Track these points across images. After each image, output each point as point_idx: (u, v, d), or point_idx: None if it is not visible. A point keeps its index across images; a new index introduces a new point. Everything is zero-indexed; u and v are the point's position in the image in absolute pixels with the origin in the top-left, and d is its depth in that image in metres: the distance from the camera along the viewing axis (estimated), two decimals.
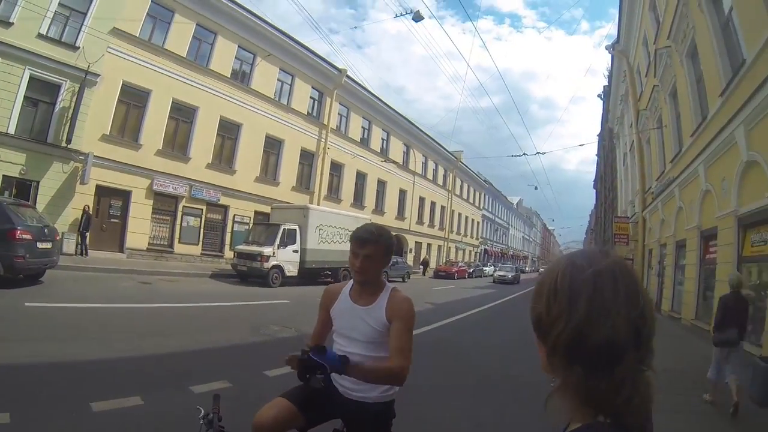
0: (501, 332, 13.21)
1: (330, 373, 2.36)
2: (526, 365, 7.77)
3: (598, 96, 40.69)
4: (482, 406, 6.25)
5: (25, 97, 16.98)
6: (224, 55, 24.04)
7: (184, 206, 22.77)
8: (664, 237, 18.47)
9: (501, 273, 44.59)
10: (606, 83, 36.24)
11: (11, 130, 16.55)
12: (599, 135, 47.01)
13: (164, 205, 22.07)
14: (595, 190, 59.16)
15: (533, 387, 6.62)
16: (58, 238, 13.02)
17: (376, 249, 2.63)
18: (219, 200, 24.17)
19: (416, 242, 45.72)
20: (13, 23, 16.35)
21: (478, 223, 65.76)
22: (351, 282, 2.84)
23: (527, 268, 70.58)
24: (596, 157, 54.02)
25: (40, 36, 17.04)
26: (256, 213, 26.06)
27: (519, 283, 42.10)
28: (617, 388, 0.90)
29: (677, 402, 6.51)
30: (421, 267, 41.97)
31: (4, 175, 16.52)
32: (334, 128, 32.14)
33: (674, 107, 16.70)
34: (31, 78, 16.98)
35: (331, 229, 22.10)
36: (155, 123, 21.17)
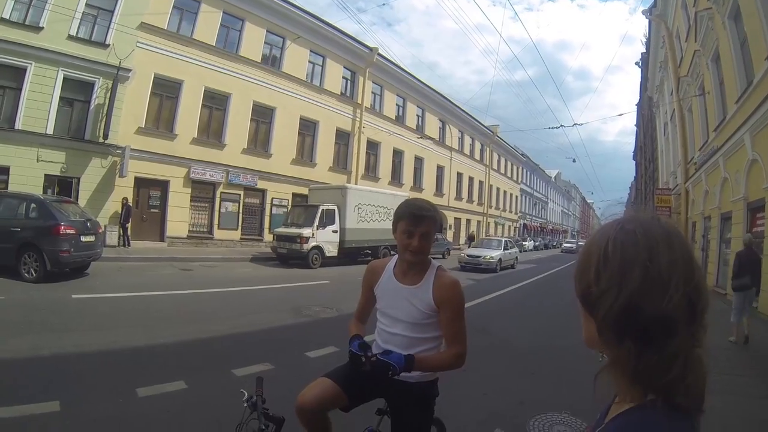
0: (544, 307, 13.05)
1: (400, 372, 2.37)
2: (570, 340, 7.74)
3: (636, 64, 39.47)
4: (523, 382, 6.19)
5: (61, 98, 17.50)
6: (253, 40, 24.08)
7: (221, 192, 23.06)
8: (708, 209, 17.86)
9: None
10: (644, 50, 35.18)
11: (50, 131, 17.13)
12: (638, 104, 45.82)
13: (202, 192, 22.40)
14: (634, 162, 57.83)
15: (578, 363, 6.61)
16: (100, 230, 13.32)
17: (432, 225, 2.53)
18: (256, 184, 24.39)
19: (455, 218, 45.47)
20: (43, 27, 16.83)
21: (516, 197, 64.91)
22: (395, 258, 2.73)
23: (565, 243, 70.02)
24: (635, 128, 52.82)
25: (70, 37, 17.49)
26: (294, 195, 26.23)
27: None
28: (669, 364, 0.86)
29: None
30: (468, 241, 41.74)
31: (45, 174, 17.09)
32: (369, 107, 32.01)
33: (717, 73, 16.00)
34: (65, 78, 17.48)
35: (369, 207, 22.09)
36: (189, 112, 21.44)
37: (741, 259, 8.74)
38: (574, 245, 52.73)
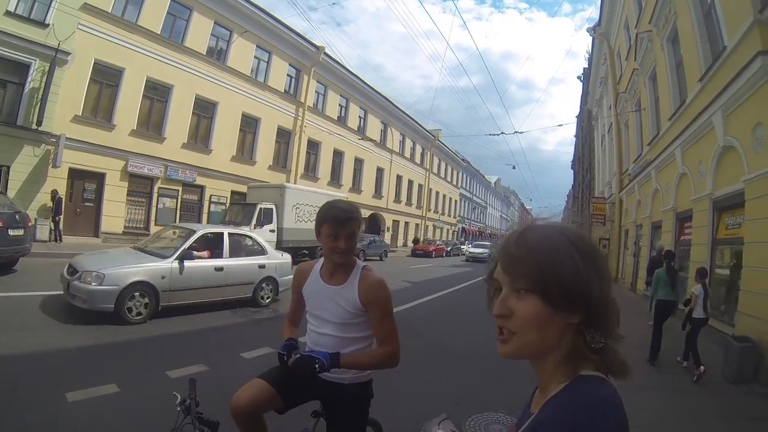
0: (476, 311, 13.22)
1: (327, 369, 2.41)
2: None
3: (578, 78, 40.85)
4: (459, 383, 6.35)
5: None
6: (200, 31, 23.48)
7: (159, 187, 22.45)
8: (641, 218, 18.80)
9: (475, 250, 41.55)
10: (586, 65, 36.41)
11: None
12: (578, 116, 47.25)
13: (139, 186, 21.70)
14: (573, 171, 59.38)
15: (508, 364, 6.82)
16: (30, 224, 12.61)
17: (357, 226, 2.58)
18: (195, 180, 23.87)
19: (393, 221, 45.71)
20: None
21: (455, 201, 65.98)
22: (321, 260, 2.76)
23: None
24: (574, 138, 54.37)
25: (8, 13, 16.30)
26: (233, 193, 25.86)
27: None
28: (615, 344, 1.03)
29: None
30: (414, 244, 42.05)
31: None
32: (311, 106, 31.88)
33: (653, 91, 16.92)
34: None
35: (308, 207, 21.98)
36: (129, 102, 20.65)
37: (653, 260, 11.40)
38: (486, 251, 39.95)
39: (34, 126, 17.04)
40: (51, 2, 17.32)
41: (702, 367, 7.14)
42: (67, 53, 17.68)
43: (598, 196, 30.96)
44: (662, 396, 6.42)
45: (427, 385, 6.15)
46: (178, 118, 22.84)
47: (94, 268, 8.08)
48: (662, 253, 10.60)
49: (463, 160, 66.24)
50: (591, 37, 29.15)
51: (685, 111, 12.76)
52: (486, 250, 39.82)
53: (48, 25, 17.20)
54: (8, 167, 16.90)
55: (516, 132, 41.61)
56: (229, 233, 10.43)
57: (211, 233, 10.24)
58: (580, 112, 45.86)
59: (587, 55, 34.97)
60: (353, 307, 2.56)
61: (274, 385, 2.61)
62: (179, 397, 2.34)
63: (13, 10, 16.49)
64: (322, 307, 2.66)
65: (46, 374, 5.28)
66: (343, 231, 2.52)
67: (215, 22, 24.20)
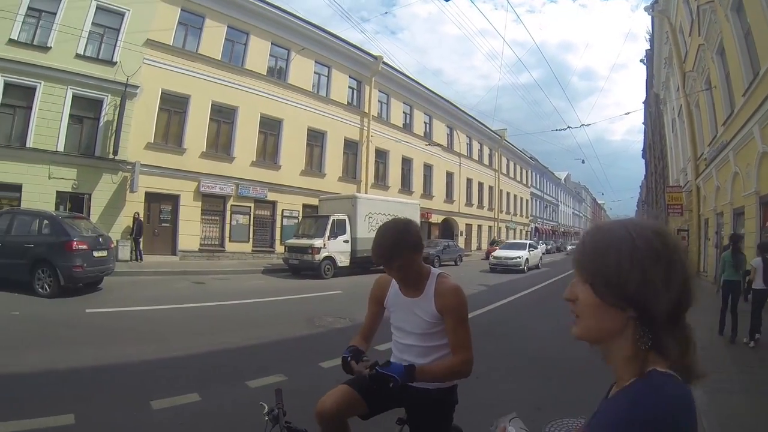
0: (553, 314, 12.87)
1: (401, 384, 2.35)
2: (580, 345, 7.73)
3: (641, 61, 39.29)
4: (539, 388, 6.10)
5: (71, 115, 17.81)
6: (258, 53, 24.24)
7: (232, 205, 23.19)
8: (721, 205, 17.55)
9: (502, 253, 27.79)
10: (648, 47, 35.08)
11: (60, 148, 17.40)
12: (645, 102, 45.55)
13: (212, 205, 22.54)
14: (644, 160, 57.40)
15: (587, 367, 6.42)
16: (112, 246, 13.47)
17: (403, 258, 2.47)
18: (266, 196, 24.49)
19: (466, 224, 45.35)
20: (51, 47, 17.17)
21: (526, 201, 64.70)
22: None
23: (568, 247, 68.66)
24: (643, 126, 52.67)
25: (78, 56, 17.80)
26: (305, 206, 26.31)
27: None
28: (686, 343, 1.02)
29: None
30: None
31: (57, 191, 17.34)
32: (376, 115, 32.09)
33: (723, 66, 15.84)
34: (74, 96, 17.78)
35: (380, 216, 21.90)
36: (197, 126, 21.65)
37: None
38: (520, 255, 42.77)
39: (110, 156, 18.37)
40: (117, 41, 18.63)
41: (758, 336, 7.98)
42: (136, 86, 18.87)
43: (673, 184, 29.33)
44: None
45: (506, 390, 5.98)
46: (246, 138, 23.61)
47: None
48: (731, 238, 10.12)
49: (531, 158, 65.01)
50: (650, 16, 27.84)
51: (760, 84, 11.91)
52: (521, 253, 27.45)
53: (116, 62, 18.58)
54: (90, 195, 18.26)
55: (582, 125, 40.46)
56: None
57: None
58: (646, 97, 44.27)
59: (648, 36, 33.78)
60: (431, 316, 2.53)
61: (359, 390, 2.63)
62: (266, 407, 2.33)
63: (82, 53, 17.94)
64: (404, 319, 2.66)
65: (131, 383, 5.54)
66: (390, 269, 2.52)
67: (272, 43, 24.92)
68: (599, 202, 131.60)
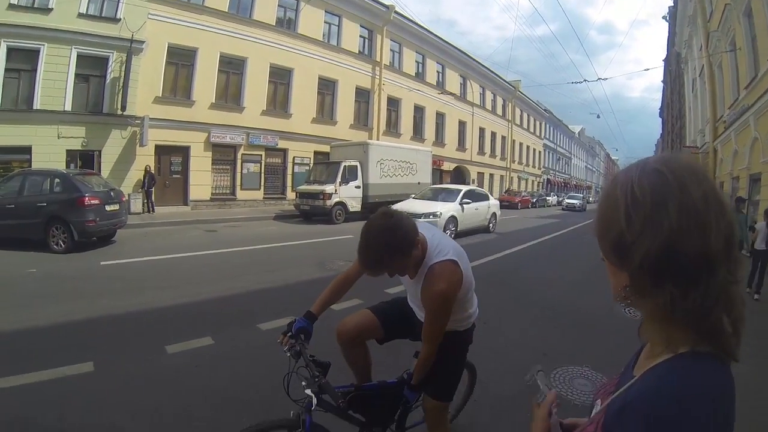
0: (565, 263, 12.67)
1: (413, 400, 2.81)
2: (592, 296, 8.12)
3: (663, 18, 38.07)
4: (546, 336, 6.24)
5: (76, 74, 17.83)
6: (266, 4, 23.91)
7: (243, 154, 23.36)
8: (737, 170, 17.43)
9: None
10: (671, 4, 33.99)
11: (68, 108, 17.54)
12: (665, 60, 44.31)
13: (223, 155, 22.69)
14: (661, 119, 56.35)
15: (594, 318, 6.71)
16: (124, 199, 13.60)
17: (392, 266, 2.41)
18: (277, 144, 24.62)
19: (478, 172, 45.25)
20: (52, 8, 17.02)
21: (539, 152, 64.09)
22: None
23: (591, 199, 68.30)
24: (662, 84, 51.34)
25: (80, 15, 17.67)
26: (316, 153, 26.42)
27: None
28: (713, 304, 0.84)
29: None
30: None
31: (67, 150, 17.60)
32: (388, 64, 31.75)
33: (749, 28, 15.43)
34: (79, 56, 17.76)
35: (392, 163, 22.31)
36: (206, 79, 21.59)
37: None
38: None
39: (119, 112, 18.49)
40: None
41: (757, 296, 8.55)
42: (141, 42, 18.84)
43: (690, 145, 28.97)
44: None
45: (514, 336, 6.12)
46: (255, 88, 23.56)
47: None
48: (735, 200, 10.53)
49: (545, 110, 64.04)
50: None
51: None
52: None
53: (119, 19, 18.43)
54: (100, 151, 18.54)
55: (599, 79, 39.21)
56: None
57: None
58: (667, 55, 43.03)
59: None
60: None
61: (379, 317, 2.93)
62: (290, 342, 2.49)
63: (85, 12, 17.85)
64: (414, 295, 2.74)
65: (147, 331, 5.80)
66: (382, 273, 2.45)
67: None
68: (613, 158, 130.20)
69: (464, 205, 16.50)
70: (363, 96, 30.34)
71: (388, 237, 2.31)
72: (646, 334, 0.97)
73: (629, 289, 0.91)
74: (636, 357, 1.06)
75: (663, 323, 0.89)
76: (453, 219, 15.79)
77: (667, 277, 0.84)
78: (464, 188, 18.07)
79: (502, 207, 36.06)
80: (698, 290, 0.83)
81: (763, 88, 13.59)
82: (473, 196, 17.47)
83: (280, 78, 24.98)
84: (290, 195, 24.13)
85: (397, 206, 10.56)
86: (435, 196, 17.43)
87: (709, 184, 0.87)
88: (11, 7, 16.23)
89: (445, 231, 13.80)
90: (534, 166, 61.67)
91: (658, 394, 0.83)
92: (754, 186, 15.27)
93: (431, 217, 14.79)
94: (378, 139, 28.51)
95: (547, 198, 49.32)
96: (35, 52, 16.89)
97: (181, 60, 20.99)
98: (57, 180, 11.40)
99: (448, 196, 17.11)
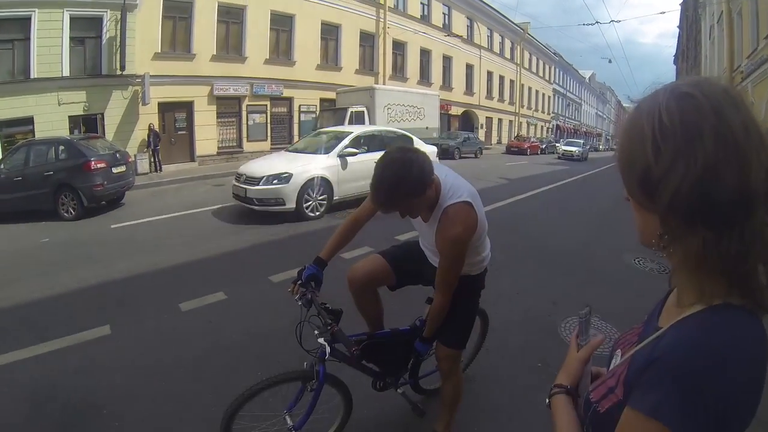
0: (576, 211, 12.35)
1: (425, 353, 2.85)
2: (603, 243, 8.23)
3: None
4: (557, 283, 6.18)
5: (71, 38, 17.37)
6: None
7: (247, 105, 23.14)
8: None
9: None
10: None
11: (66, 73, 17.21)
12: (681, 4, 42.93)
13: (228, 107, 22.45)
14: (675, 67, 54.85)
15: (604, 267, 6.85)
16: (130, 160, 13.60)
17: (404, 205, 2.32)
18: (282, 93, 24.34)
19: (487, 117, 44.86)
20: None
21: (549, 97, 62.80)
22: None
23: (600, 146, 67.06)
24: (678, 30, 49.95)
25: None
26: (322, 100, 26.17)
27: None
28: (748, 250, 0.75)
29: None
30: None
31: (69, 116, 17.38)
32: (392, 7, 31.08)
33: None
34: (72, 18, 17.25)
35: (399, 107, 22.20)
36: (205, 30, 21.08)
37: None
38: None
39: (118, 72, 18.11)
40: None
41: None
42: None
43: None
44: None
45: (526, 283, 6.11)
46: (257, 37, 23.01)
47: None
48: None
49: (555, 54, 62.45)
50: None
51: None
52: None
53: None
54: (102, 114, 18.32)
55: (612, 21, 38.11)
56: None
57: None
58: None
59: None
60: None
61: (390, 263, 2.89)
62: (301, 291, 2.43)
63: None
64: (426, 238, 2.69)
65: (161, 290, 5.92)
66: (393, 211, 2.36)
67: None
68: (624, 105, 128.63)
69: (348, 159, 10.58)
70: (367, 40, 29.76)
71: (402, 171, 2.22)
72: (676, 282, 0.92)
73: (663, 234, 0.82)
74: (661, 306, 1.00)
75: (695, 271, 0.81)
76: (323, 182, 10.13)
77: (700, 217, 0.76)
78: (358, 130, 11.76)
79: (510, 152, 35.64)
80: (733, 234, 0.75)
81: None
82: (373, 143, 11.30)
83: (282, 25, 24.37)
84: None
85: (240, 168, 10.26)
86: (316, 145, 11.52)
87: (747, 111, 0.77)
88: None
89: (305, 203, 9.83)
90: (543, 112, 60.59)
91: (692, 348, 0.76)
92: None
93: (275, 182, 9.54)
94: (384, 84, 28.06)
95: (557, 144, 48.52)
96: (27, 20, 16.44)
97: (178, 13, 20.35)
98: (62, 147, 11.32)
99: (332, 144, 11.06)
